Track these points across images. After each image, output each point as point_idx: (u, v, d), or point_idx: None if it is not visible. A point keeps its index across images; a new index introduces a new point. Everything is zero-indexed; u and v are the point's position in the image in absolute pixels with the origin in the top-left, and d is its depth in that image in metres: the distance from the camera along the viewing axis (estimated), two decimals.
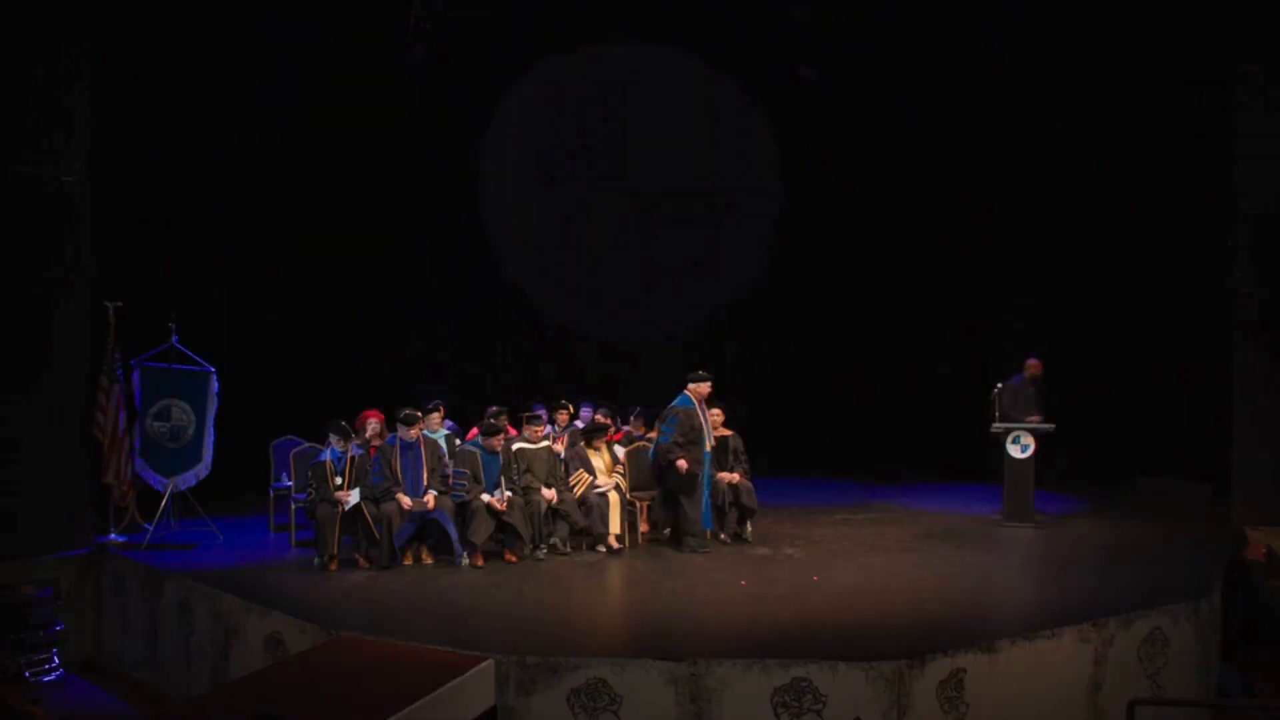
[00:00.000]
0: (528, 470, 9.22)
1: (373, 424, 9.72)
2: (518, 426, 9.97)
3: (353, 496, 8.67)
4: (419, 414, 9.20)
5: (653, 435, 10.33)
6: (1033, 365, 10.99)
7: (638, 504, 9.75)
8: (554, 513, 9.16)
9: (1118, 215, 12.51)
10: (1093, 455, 12.64)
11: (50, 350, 9.37)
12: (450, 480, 9.01)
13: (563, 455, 9.58)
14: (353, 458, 8.93)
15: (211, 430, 10.09)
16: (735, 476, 9.60)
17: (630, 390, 12.63)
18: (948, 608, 7.34)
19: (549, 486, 9.22)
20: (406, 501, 8.72)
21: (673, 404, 9.41)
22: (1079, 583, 7.96)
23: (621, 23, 13.40)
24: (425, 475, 8.91)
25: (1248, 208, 10.29)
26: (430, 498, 8.78)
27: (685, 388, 9.46)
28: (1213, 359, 11.17)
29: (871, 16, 13.23)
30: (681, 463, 9.12)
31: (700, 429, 9.30)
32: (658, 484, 9.56)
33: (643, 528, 9.87)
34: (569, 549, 9.22)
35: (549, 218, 14.39)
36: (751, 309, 14.49)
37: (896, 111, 13.78)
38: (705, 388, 9.42)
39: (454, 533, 8.78)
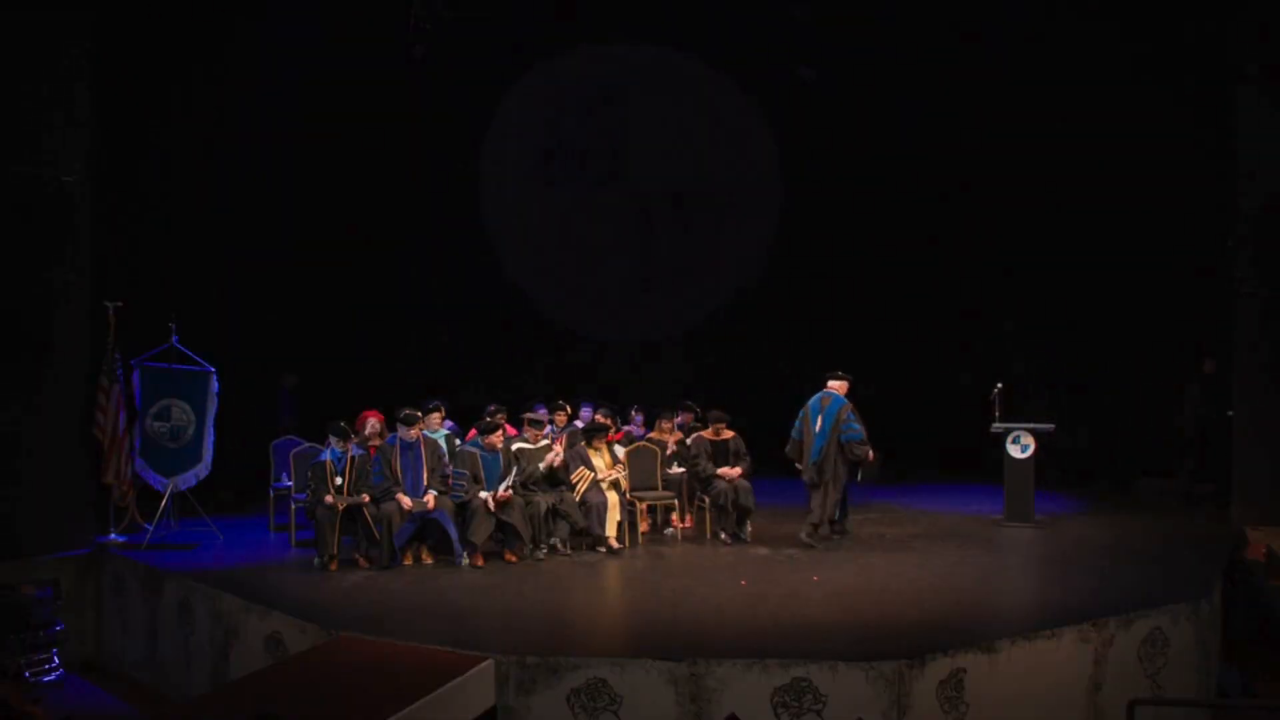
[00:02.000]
0: (527, 463, 9.23)
1: (372, 423, 9.71)
2: (517, 426, 9.98)
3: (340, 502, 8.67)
4: (419, 414, 9.20)
5: (654, 435, 10.37)
6: (1210, 364, 11.63)
7: (638, 504, 9.76)
8: (554, 513, 9.17)
9: (1118, 215, 12.51)
10: (1093, 455, 12.65)
11: (50, 350, 9.37)
12: (450, 480, 9.01)
13: (563, 455, 9.58)
14: (353, 458, 8.92)
15: (211, 430, 10.09)
16: (737, 471, 9.63)
17: (630, 390, 12.64)
18: (948, 608, 7.33)
19: (551, 485, 9.24)
20: (406, 502, 8.72)
21: (842, 402, 9.63)
22: (1079, 583, 7.95)
23: (621, 23, 13.41)
24: (425, 475, 8.90)
25: (1248, 207, 10.29)
26: (430, 498, 8.78)
27: (828, 385, 9.80)
28: (1213, 359, 11.18)
29: (871, 16, 13.24)
30: (871, 454, 9.57)
31: None
32: (832, 480, 9.56)
33: (642, 527, 9.87)
34: (569, 549, 9.22)
35: (549, 218, 14.39)
36: (751, 309, 14.48)
37: (896, 111, 13.77)
38: (846, 385, 9.83)
39: (454, 533, 8.78)
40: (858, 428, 9.54)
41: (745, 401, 11.78)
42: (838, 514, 9.74)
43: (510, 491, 8.90)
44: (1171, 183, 12.13)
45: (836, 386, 9.76)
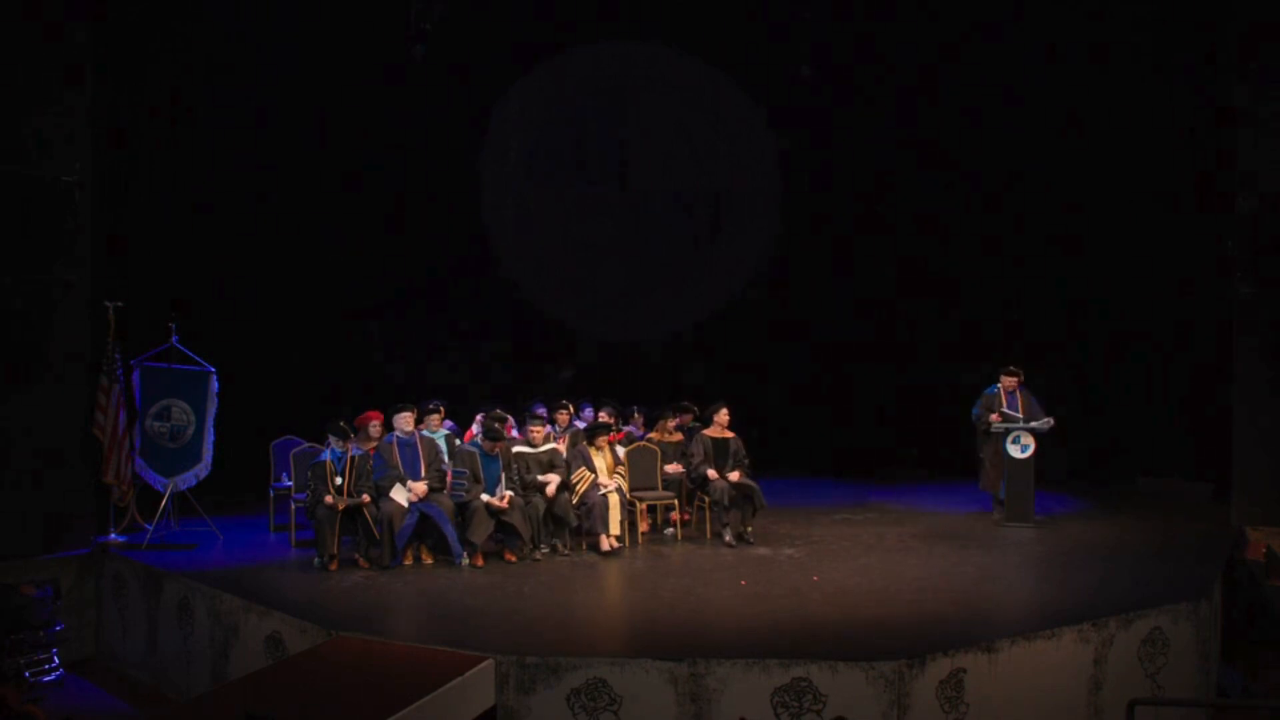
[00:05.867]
0: (526, 470, 9.23)
1: (375, 425, 9.70)
2: (518, 426, 9.98)
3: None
4: (413, 405, 9.22)
5: (653, 435, 10.38)
6: None
7: (638, 504, 9.76)
8: (552, 515, 9.16)
9: (1119, 213, 12.52)
10: (1093, 455, 12.64)
11: (50, 350, 9.37)
12: (449, 479, 9.01)
13: (565, 455, 9.58)
14: (353, 458, 8.92)
15: (211, 430, 10.08)
16: (735, 476, 9.60)
17: (630, 390, 12.62)
18: (948, 608, 7.34)
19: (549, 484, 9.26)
20: (401, 494, 8.71)
21: (984, 391, 10.64)
22: (1079, 583, 7.96)
23: (621, 22, 13.41)
24: (423, 470, 8.91)
25: (1248, 208, 10.29)
26: (421, 485, 8.78)
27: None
28: (1213, 359, 11.18)
29: (872, 15, 13.23)
30: (995, 418, 10.38)
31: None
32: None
33: (642, 527, 9.87)
34: (569, 549, 9.22)
35: (549, 218, 14.39)
36: (751, 308, 14.48)
37: (896, 110, 13.78)
38: (1008, 379, 10.54)
39: (451, 533, 8.76)
40: (976, 411, 10.52)
41: (745, 402, 11.76)
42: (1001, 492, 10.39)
43: (509, 497, 8.90)
44: (1171, 181, 12.14)
45: (1001, 380, 10.57)
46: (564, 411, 10.45)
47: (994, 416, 10.36)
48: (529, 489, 9.15)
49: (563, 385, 12.75)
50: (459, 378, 13.34)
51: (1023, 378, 10.51)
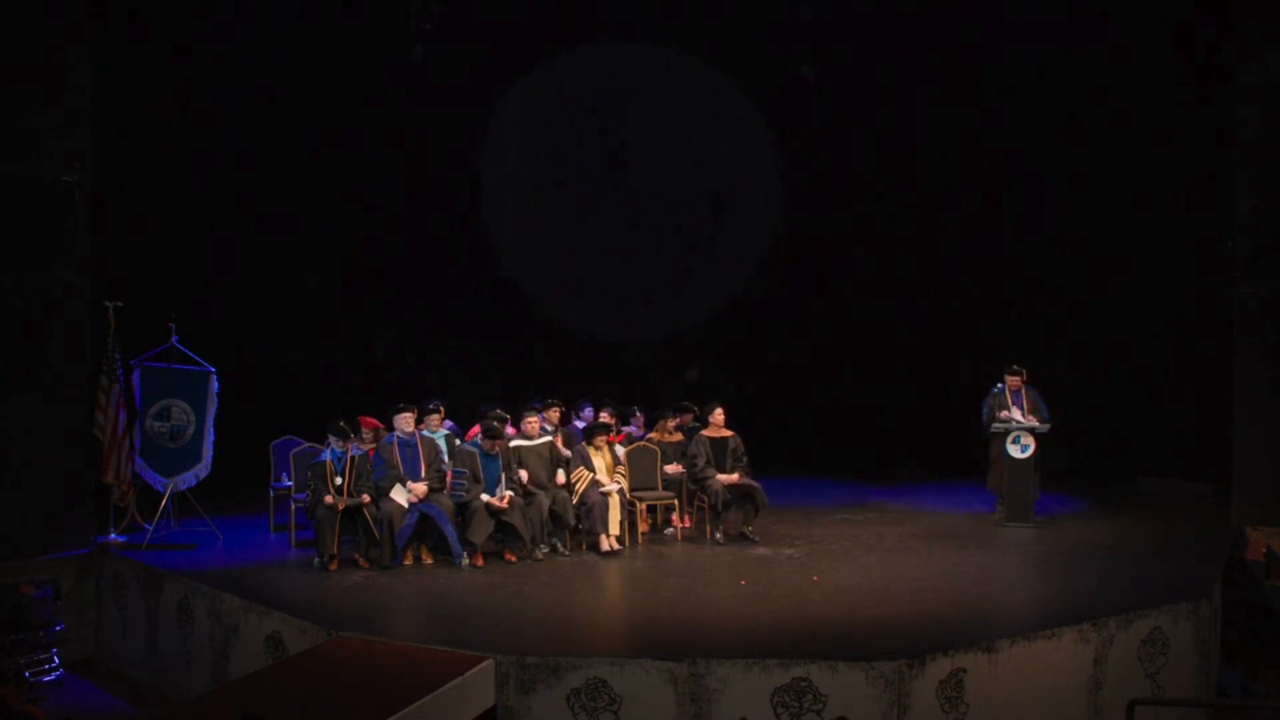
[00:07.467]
0: (522, 467, 9.23)
1: (367, 435, 9.68)
2: (518, 428, 9.97)
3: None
4: (413, 405, 9.21)
5: (653, 435, 10.37)
6: None
7: (638, 504, 9.75)
8: (552, 515, 9.17)
9: (1119, 213, 12.52)
10: (1093, 455, 12.65)
11: (50, 350, 9.37)
12: (449, 479, 9.01)
13: (567, 454, 9.58)
14: (353, 458, 8.92)
15: (211, 430, 10.08)
16: (734, 477, 9.60)
17: (629, 390, 12.62)
18: (948, 608, 7.34)
19: (545, 484, 9.24)
20: (401, 495, 8.71)
21: (990, 391, 10.68)
22: (1079, 583, 7.96)
23: (621, 23, 13.41)
24: (423, 469, 8.92)
25: (1248, 208, 10.29)
26: (421, 486, 8.78)
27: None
28: (1213, 359, 11.19)
29: (872, 15, 13.24)
30: (1004, 414, 10.39)
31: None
32: None
33: (642, 527, 9.87)
34: (569, 549, 9.22)
35: (549, 218, 14.39)
36: (751, 309, 14.48)
37: (897, 110, 13.78)
38: (1010, 378, 10.54)
39: (451, 533, 8.76)
40: (985, 411, 10.50)
41: (745, 402, 11.77)
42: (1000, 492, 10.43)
43: (509, 497, 8.90)
44: (1171, 181, 12.14)
45: (1005, 379, 10.57)
46: (554, 410, 10.27)
47: (1002, 414, 10.36)
48: (529, 489, 9.14)
49: (689, 385, 12.81)
50: (459, 378, 13.36)
51: (1026, 376, 10.46)
